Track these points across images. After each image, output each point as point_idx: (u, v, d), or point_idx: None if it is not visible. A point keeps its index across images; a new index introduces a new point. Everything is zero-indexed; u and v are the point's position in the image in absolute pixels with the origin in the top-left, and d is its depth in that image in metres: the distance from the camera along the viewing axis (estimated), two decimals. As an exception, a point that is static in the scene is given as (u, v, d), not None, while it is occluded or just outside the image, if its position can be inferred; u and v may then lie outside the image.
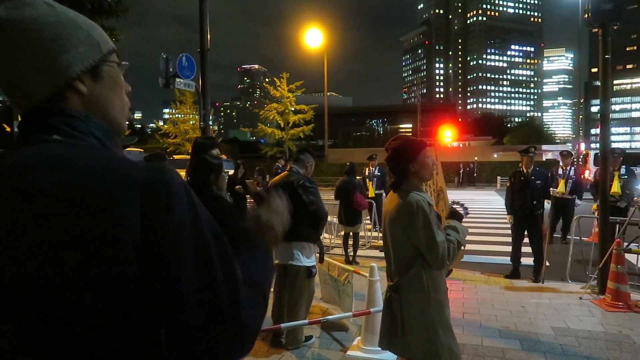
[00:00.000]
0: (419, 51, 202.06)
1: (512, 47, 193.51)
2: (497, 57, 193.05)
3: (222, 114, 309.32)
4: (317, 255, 4.42)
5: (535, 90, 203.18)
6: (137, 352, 0.73)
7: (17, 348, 0.69)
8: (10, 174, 0.72)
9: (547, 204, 6.57)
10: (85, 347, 0.70)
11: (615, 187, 7.20)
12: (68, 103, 0.82)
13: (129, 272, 0.70)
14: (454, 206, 2.63)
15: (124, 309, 0.71)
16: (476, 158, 37.75)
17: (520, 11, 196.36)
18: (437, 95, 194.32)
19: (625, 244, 5.51)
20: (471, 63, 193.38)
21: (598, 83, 5.93)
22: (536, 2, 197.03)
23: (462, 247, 2.42)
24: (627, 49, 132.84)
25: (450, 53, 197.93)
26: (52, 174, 0.71)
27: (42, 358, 0.69)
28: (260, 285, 0.87)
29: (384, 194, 9.87)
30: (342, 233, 7.84)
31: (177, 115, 32.05)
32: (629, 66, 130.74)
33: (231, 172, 7.50)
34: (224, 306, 0.75)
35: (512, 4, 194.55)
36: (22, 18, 0.78)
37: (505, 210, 6.72)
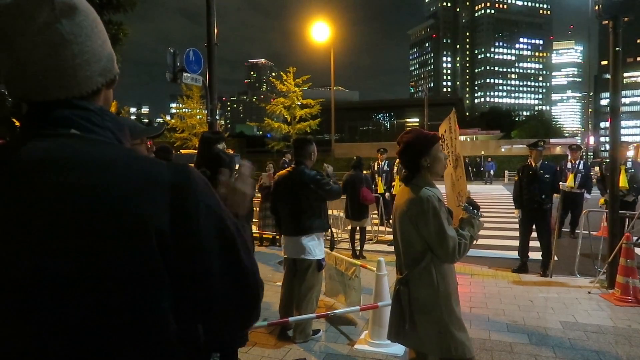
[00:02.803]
0: (427, 44, 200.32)
1: (521, 40, 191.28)
2: (505, 50, 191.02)
3: (228, 108, 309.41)
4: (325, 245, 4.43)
5: (544, 84, 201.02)
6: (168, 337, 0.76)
7: (45, 337, 0.70)
8: (38, 171, 0.71)
9: (556, 198, 6.53)
10: (109, 340, 0.71)
11: (623, 182, 7.14)
12: (99, 96, 0.84)
13: (158, 270, 0.72)
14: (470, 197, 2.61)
15: (156, 306, 0.74)
16: (482, 152, 37.54)
17: (529, 3, 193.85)
18: (445, 89, 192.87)
19: (635, 238, 5.46)
20: (479, 56, 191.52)
21: (608, 76, 5.86)
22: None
23: (475, 241, 2.41)
24: (638, 41, 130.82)
25: (458, 46, 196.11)
26: (79, 173, 0.71)
27: (73, 350, 0.71)
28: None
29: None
30: (349, 227, 7.84)
31: (184, 110, 32.13)
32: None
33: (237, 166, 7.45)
34: (248, 290, 0.85)
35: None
36: (84, 6, 0.79)
37: (514, 204, 6.69)
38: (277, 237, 7.47)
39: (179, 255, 0.74)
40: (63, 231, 0.69)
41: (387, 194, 9.40)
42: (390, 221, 2.69)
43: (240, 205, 1.08)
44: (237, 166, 3.35)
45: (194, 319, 0.82)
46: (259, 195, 8.46)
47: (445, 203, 2.44)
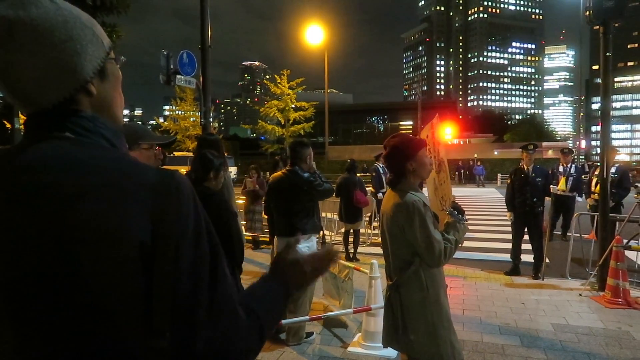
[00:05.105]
0: (420, 48, 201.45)
1: (513, 44, 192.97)
2: (498, 54, 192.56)
3: (222, 110, 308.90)
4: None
5: (536, 88, 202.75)
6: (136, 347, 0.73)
7: (23, 340, 0.70)
8: (25, 173, 0.71)
9: (548, 201, 6.58)
10: (85, 346, 0.70)
11: None
12: (79, 105, 0.81)
13: (134, 274, 0.71)
14: (455, 201, 2.64)
15: (126, 308, 0.71)
16: (475, 155, 37.74)
17: (522, 8, 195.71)
18: (438, 93, 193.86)
19: (625, 241, 5.52)
20: (472, 60, 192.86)
21: (599, 80, 5.92)
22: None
23: (460, 245, 2.43)
24: (629, 46, 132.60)
25: (451, 50, 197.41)
26: (63, 174, 0.71)
27: (49, 352, 0.70)
28: (258, 317, 0.84)
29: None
30: (343, 230, 7.85)
31: (177, 112, 32.04)
32: (630, 63, 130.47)
33: (231, 168, 7.38)
34: (201, 320, 0.74)
35: (513, 1, 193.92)
36: (30, 17, 0.74)
37: (506, 207, 6.74)
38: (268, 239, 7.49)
39: (157, 263, 0.71)
40: (41, 232, 0.68)
41: (379, 195, 9.32)
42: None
43: (294, 278, 0.98)
44: (229, 168, 3.34)
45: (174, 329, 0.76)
46: (245, 198, 8.49)
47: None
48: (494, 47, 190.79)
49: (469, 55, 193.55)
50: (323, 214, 7.62)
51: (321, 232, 4.60)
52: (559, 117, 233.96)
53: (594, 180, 7.58)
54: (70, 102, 0.80)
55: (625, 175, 7.66)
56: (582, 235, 6.69)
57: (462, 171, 32.72)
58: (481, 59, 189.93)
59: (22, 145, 0.77)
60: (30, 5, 0.74)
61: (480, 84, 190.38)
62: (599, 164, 6.63)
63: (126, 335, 0.72)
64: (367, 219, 9.17)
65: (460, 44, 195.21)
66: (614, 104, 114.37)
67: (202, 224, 0.78)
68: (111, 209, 0.70)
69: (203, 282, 0.75)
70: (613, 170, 7.43)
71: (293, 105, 32.47)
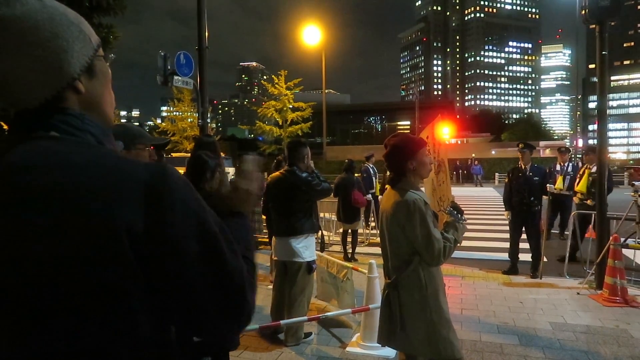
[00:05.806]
0: (417, 48, 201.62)
1: (510, 43, 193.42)
2: (494, 54, 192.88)
3: (220, 111, 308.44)
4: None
5: (533, 87, 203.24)
6: (144, 342, 0.74)
7: (18, 337, 0.70)
8: (14, 173, 0.71)
9: (545, 200, 6.59)
10: (81, 341, 0.70)
11: (582, 185, 7.20)
12: (66, 103, 0.80)
13: (130, 272, 0.71)
14: (454, 201, 2.65)
15: (128, 308, 0.72)
16: (473, 155, 37.83)
17: (518, 7, 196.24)
18: (435, 92, 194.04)
19: (622, 239, 5.53)
20: (469, 60, 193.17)
21: (595, 79, 5.94)
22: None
23: (458, 244, 2.44)
24: (624, 45, 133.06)
25: (448, 50, 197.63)
26: (55, 173, 0.71)
27: (42, 349, 0.70)
28: (249, 257, 0.95)
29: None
30: (341, 230, 7.85)
31: (175, 113, 31.97)
32: (626, 62, 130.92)
33: (229, 169, 7.37)
34: (234, 294, 0.80)
35: (510, 0, 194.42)
36: (14, 15, 0.73)
37: (504, 206, 6.75)
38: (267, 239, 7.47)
39: (154, 257, 0.72)
40: (31, 231, 0.68)
41: (368, 196, 9.19)
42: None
43: (243, 202, 1.09)
44: (226, 169, 3.34)
45: (177, 322, 0.79)
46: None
47: None
48: (490, 47, 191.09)
49: (466, 55, 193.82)
50: (321, 214, 7.62)
51: (319, 232, 4.60)
52: (556, 116, 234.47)
53: (577, 180, 7.58)
54: (58, 100, 0.79)
55: (607, 174, 7.62)
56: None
57: (460, 171, 32.70)
58: (478, 58, 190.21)
59: (6, 146, 0.76)
60: (15, 3, 0.74)
61: (477, 84, 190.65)
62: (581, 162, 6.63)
63: (130, 329, 0.72)
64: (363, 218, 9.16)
65: (457, 43, 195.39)
66: (611, 103, 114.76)
67: (202, 207, 0.80)
68: (104, 206, 0.70)
69: (221, 254, 0.79)
70: (594, 169, 7.42)
71: (291, 106, 32.42)
